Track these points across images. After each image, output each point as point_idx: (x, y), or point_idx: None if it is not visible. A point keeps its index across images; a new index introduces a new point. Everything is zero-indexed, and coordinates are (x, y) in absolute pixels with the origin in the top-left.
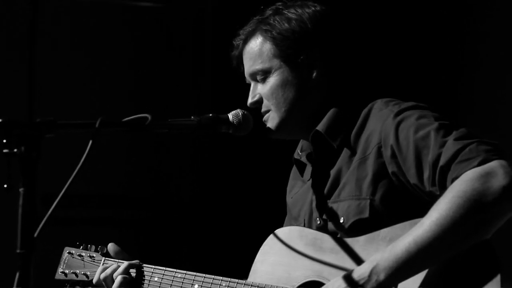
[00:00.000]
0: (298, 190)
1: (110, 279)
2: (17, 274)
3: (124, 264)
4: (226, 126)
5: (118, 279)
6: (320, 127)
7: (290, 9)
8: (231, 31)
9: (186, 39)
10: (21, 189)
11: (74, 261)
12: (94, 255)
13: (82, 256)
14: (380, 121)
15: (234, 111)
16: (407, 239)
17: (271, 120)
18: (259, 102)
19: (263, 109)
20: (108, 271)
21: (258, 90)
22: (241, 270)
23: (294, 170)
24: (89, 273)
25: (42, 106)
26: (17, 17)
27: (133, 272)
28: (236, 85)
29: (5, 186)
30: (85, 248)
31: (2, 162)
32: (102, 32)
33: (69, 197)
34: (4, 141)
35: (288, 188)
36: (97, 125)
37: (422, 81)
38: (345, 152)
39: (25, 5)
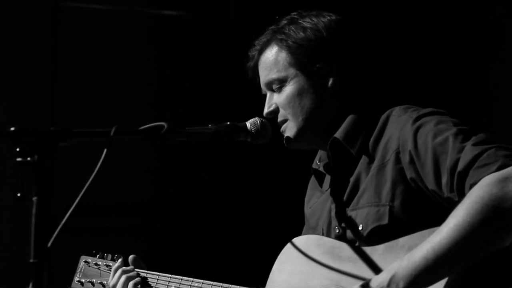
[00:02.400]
0: (316, 201)
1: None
2: (31, 284)
3: (125, 274)
4: (244, 135)
5: (121, 277)
6: (338, 134)
7: (306, 18)
8: (252, 40)
9: (207, 47)
10: (34, 198)
11: (90, 270)
12: (111, 264)
13: (99, 265)
14: (399, 127)
15: (252, 119)
16: (425, 247)
17: (289, 130)
18: (275, 112)
19: (280, 119)
20: (115, 279)
21: (274, 100)
22: (259, 279)
23: (313, 180)
24: (105, 282)
25: (64, 114)
26: (40, 26)
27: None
28: (256, 93)
29: (18, 195)
30: (102, 257)
31: (16, 170)
32: (123, 40)
33: (91, 206)
34: (17, 149)
35: (306, 199)
36: (112, 134)
37: (440, 86)
38: (364, 159)
39: (48, 14)
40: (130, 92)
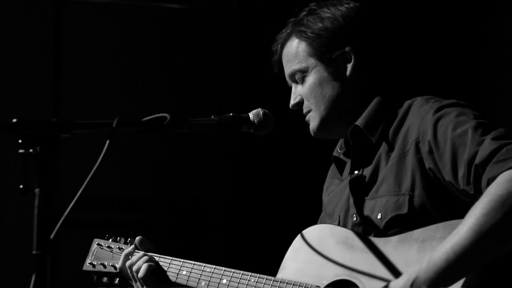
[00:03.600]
0: (335, 188)
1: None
2: (34, 276)
3: (146, 256)
4: (246, 126)
5: (140, 256)
6: (359, 122)
7: (323, 8)
8: (256, 32)
9: (212, 40)
10: (36, 190)
11: (102, 252)
12: (123, 247)
13: (111, 247)
14: (420, 117)
15: (255, 110)
16: (444, 248)
17: (313, 119)
18: (300, 103)
19: (305, 110)
20: (134, 258)
21: (298, 92)
22: (271, 268)
23: (333, 168)
24: (117, 264)
25: (68, 107)
26: (42, 19)
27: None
28: (259, 85)
29: (21, 187)
30: (115, 240)
31: (18, 162)
32: (127, 33)
33: (95, 200)
34: (20, 141)
35: (325, 186)
36: (114, 125)
37: (452, 76)
38: (383, 148)
39: (51, 6)
40: (134, 85)
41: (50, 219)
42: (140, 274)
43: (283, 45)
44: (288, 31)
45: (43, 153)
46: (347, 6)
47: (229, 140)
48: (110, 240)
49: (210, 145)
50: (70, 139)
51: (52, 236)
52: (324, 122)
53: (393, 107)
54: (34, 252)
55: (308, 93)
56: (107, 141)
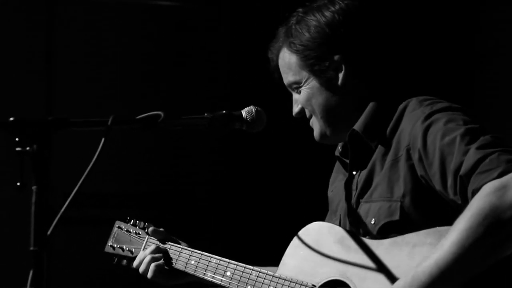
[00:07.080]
0: (338, 184)
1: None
2: (31, 272)
3: (152, 246)
4: (239, 123)
5: (146, 259)
6: (357, 126)
7: (309, 15)
8: (249, 29)
9: (204, 37)
10: (33, 187)
11: (122, 235)
12: (140, 233)
13: (130, 232)
14: (411, 122)
15: (247, 108)
16: (428, 263)
17: (314, 126)
18: (302, 111)
19: (308, 115)
20: (142, 258)
21: (298, 100)
22: (264, 260)
23: (338, 163)
24: (133, 249)
25: (60, 105)
26: (35, 16)
27: (159, 254)
28: (253, 82)
29: (18, 184)
30: (134, 224)
31: (15, 160)
32: (120, 32)
33: (90, 197)
34: (17, 139)
35: (330, 181)
36: (109, 123)
37: (439, 73)
38: (379, 150)
39: (43, 4)
40: (126, 82)
41: (47, 216)
42: (149, 275)
43: (277, 56)
44: (279, 41)
45: (40, 151)
46: (332, 9)
47: (220, 134)
48: (130, 223)
49: (200, 139)
50: (65, 137)
51: (49, 233)
52: (322, 131)
53: (390, 108)
54: (31, 248)
55: (305, 103)
56: (103, 139)
